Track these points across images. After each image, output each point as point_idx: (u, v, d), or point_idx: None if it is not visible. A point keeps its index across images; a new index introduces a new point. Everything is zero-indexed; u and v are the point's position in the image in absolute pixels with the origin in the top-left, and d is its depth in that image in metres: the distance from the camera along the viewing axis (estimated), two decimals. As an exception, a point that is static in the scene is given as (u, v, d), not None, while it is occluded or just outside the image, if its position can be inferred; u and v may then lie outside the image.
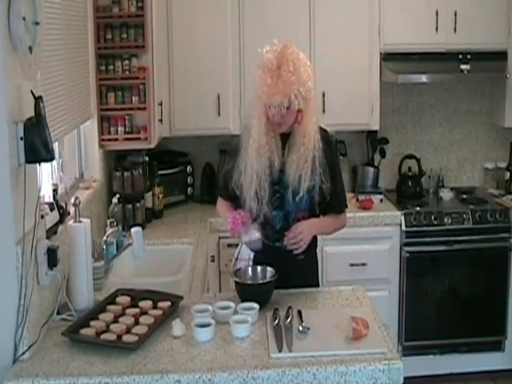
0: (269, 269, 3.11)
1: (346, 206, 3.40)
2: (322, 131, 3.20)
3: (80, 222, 2.99)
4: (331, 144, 3.29)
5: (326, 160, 3.15)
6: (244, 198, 3.18)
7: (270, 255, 3.19)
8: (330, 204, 3.26)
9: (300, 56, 3.04)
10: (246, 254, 3.33)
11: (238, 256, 3.40)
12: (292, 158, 3.10)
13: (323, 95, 4.84)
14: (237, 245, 3.48)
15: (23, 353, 2.52)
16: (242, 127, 3.21)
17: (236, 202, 3.28)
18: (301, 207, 3.20)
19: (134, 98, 4.38)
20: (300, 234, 3.14)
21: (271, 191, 3.16)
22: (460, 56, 4.93)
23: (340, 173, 3.35)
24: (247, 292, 3.00)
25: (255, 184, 3.12)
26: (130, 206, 4.48)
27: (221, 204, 3.44)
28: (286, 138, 3.14)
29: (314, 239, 3.31)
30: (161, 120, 4.59)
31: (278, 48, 3.02)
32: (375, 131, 5.17)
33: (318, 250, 3.44)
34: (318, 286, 3.43)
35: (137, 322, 2.76)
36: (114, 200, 4.08)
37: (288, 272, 3.12)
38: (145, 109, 4.38)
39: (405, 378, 2.52)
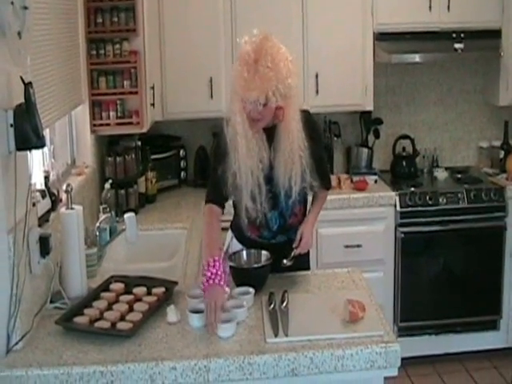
0: (264, 253, 3.11)
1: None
2: (304, 113, 3.09)
3: (72, 208, 2.97)
4: (313, 123, 3.19)
5: (309, 141, 3.03)
6: (239, 199, 3.05)
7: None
8: (319, 182, 3.20)
9: (281, 50, 2.85)
10: (238, 248, 3.29)
11: (228, 250, 3.38)
12: (279, 159, 3.00)
13: (316, 76, 4.83)
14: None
15: (16, 343, 2.50)
16: (225, 126, 2.99)
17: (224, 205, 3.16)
18: (295, 205, 3.17)
19: (125, 83, 4.33)
20: (307, 243, 3.14)
21: (266, 191, 3.07)
22: (454, 35, 4.89)
23: (324, 147, 3.31)
24: (242, 276, 2.99)
25: (251, 182, 2.99)
26: (122, 192, 4.44)
27: (208, 216, 3.14)
28: (270, 133, 3.02)
29: None
30: (153, 104, 4.55)
31: (257, 39, 2.83)
32: (369, 112, 5.15)
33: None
34: (308, 268, 3.40)
35: (131, 309, 2.75)
36: (107, 186, 4.05)
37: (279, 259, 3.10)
38: (137, 93, 4.34)
39: (401, 359, 2.52)
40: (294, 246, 3.14)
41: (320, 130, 3.32)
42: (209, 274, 2.78)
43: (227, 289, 2.83)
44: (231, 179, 3.00)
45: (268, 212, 3.13)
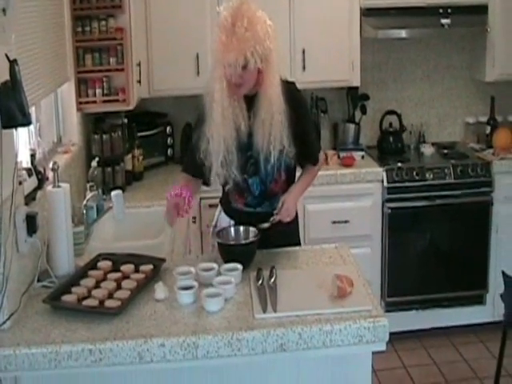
0: (251, 229, 3.10)
1: (320, 150, 3.39)
2: (288, 84, 3.11)
3: (59, 187, 2.96)
4: (298, 95, 3.20)
5: (294, 113, 3.05)
6: (210, 165, 3.07)
7: (251, 221, 3.16)
8: (305, 156, 3.24)
9: (257, 13, 2.90)
10: (226, 222, 3.31)
11: (217, 224, 3.38)
12: (258, 123, 3.02)
13: (303, 52, 4.82)
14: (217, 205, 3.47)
15: (4, 322, 2.49)
16: (204, 93, 3.04)
17: (201, 176, 3.21)
18: (275, 171, 3.17)
19: (111, 60, 4.30)
20: (287, 209, 3.14)
21: (244, 158, 3.12)
22: (440, 10, 4.88)
23: (312, 122, 3.32)
24: (230, 253, 2.99)
25: (223, 149, 3.02)
26: (109, 169, 4.43)
27: (182, 180, 3.27)
28: (251, 101, 3.04)
29: None
30: (139, 81, 4.53)
31: (234, 4, 2.89)
32: (356, 87, 5.14)
33: (300, 208, 3.43)
34: (299, 244, 3.43)
35: (119, 287, 2.74)
36: (94, 163, 4.03)
37: (268, 233, 3.10)
38: (123, 70, 4.32)
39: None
40: (274, 212, 3.14)
41: (304, 103, 3.31)
42: (177, 191, 3.05)
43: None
44: (204, 146, 3.05)
45: (249, 178, 3.17)
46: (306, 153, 3.23)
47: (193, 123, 3.42)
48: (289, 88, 3.09)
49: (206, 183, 3.27)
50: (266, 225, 3.11)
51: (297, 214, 3.34)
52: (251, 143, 3.08)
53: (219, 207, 3.44)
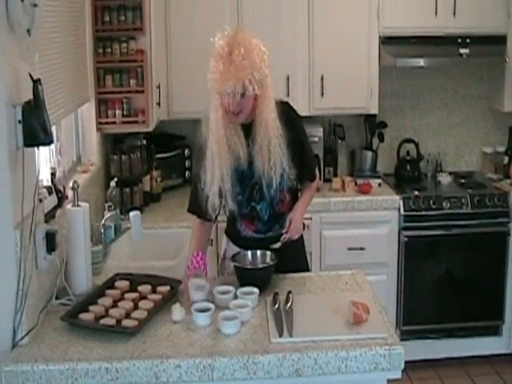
0: (268, 253, 3.11)
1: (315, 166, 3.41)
2: (282, 105, 3.12)
3: (78, 205, 2.98)
4: (293, 115, 3.21)
5: (291, 134, 3.07)
6: (224, 197, 3.09)
7: (262, 247, 3.16)
8: (302, 174, 3.25)
9: (253, 41, 2.91)
10: (235, 252, 3.29)
11: (225, 255, 3.39)
12: (256, 151, 3.03)
13: (322, 78, 4.83)
14: None
15: (22, 338, 2.51)
16: (202, 124, 3.09)
17: (207, 217, 3.19)
18: (280, 192, 3.18)
19: (131, 81, 4.34)
20: (296, 227, 3.15)
21: (250, 186, 3.14)
22: (459, 40, 4.89)
23: (307, 139, 3.30)
24: (247, 276, 2.99)
25: (217, 179, 3.03)
26: (127, 190, 4.46)
27: (194, 229, 3.30)
28: (248, 128, 3.04)
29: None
30: (159, 103, 4.56)
31: (229, 33, 2.91)
32: (374, 115, 5.14)
33: (316, 234, 3.43)
34: (308, 269, 3.43)
35: (136, 307, 2.75)
36: (112, 184, 4.06)
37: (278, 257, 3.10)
38: (143, 92, 4.36)
39: (403, 363, 2.53)
40: (283, 231, 3.16)
41: (299, 122, 3.28)
42: (194, 262, 3.04)
43: (205, 280, 2.95)
44: (203, 177, 3.07)
45: (257, 204, 3.19)
46: (303, 171, 3.26)
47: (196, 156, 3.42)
48: (283, 109, 3.11)
49: (210, 220, 3.24)
50: (277, 245, 3.13)
51: (302, 238, 3.37)
52: (253, 170, 3.10)
53: (225, 238, 3.44)
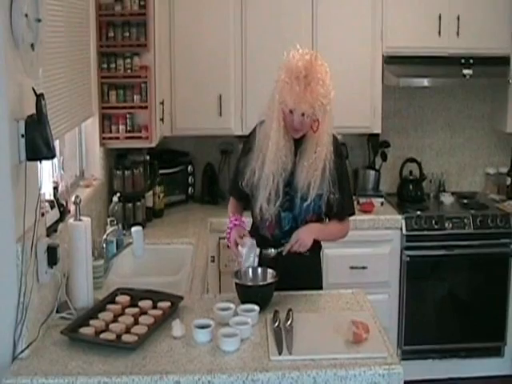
0: (269, 270, 3.11)
1: (352, 214, 3.40)
2: (334, 136, 3.23)
3: (80, 220, 2.97)
4: (341, 152, 3.33)
5: (335, 170, 3.18)
6: (256, 197, 3.21)
7: (274, 246, 3.22)
8: (336, 208, 3.26)
9: (327, 69, 3.06)
10: (249, 242, 3.29)
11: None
12: (303, 164, 3.13)
13: (325, 97, 4.84)
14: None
15: (22, 351, 2.50)
16: (258, 126, 3.24)
17: (244, 201, 3.39)
18: (309, 211, 3.22)
19: (135, 97, 4.37)
20: (299, 240, 3.15)
21: (283, 193, 3.19)
22: (462, 60, 4.92)
23: (348, 181, 3.37)
24: (247, 294, 2.98)
25: (271, 186, 3.15)
26: (130, 205, 4.47)
27: (230, 204, 3.52)
28: (298, 142, 3.17)
29: (318, 241, 3.30)
30: (162, 119, 4.58)
31: (307, 57, 3.03)
32: (377, 134, 5.16)
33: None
34: (321, 288, 3.42)
35: (136, 322, 2.74)
36: (115, 199, 4.07)
37: (292, 272, 3.12)
38: (146, 108, 4.37)
39: (404, 382, 2.50)
40: (284, 242, 3.20)
41: (344, 157, 3.49)
42: (231, 224, 3.25)
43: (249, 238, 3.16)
44: (249, 176, 3.21)
45: (282, 212, 3.23)
46: (337, 206, 3.25)
47: (240, 148, 3.66)
48: (336, 143, 3.24)
49: (245, 208, 3.46)
50: (273, 253, 3.18)
51: (319, 256, 3.41)
52: (291, 181, 3.18)
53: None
